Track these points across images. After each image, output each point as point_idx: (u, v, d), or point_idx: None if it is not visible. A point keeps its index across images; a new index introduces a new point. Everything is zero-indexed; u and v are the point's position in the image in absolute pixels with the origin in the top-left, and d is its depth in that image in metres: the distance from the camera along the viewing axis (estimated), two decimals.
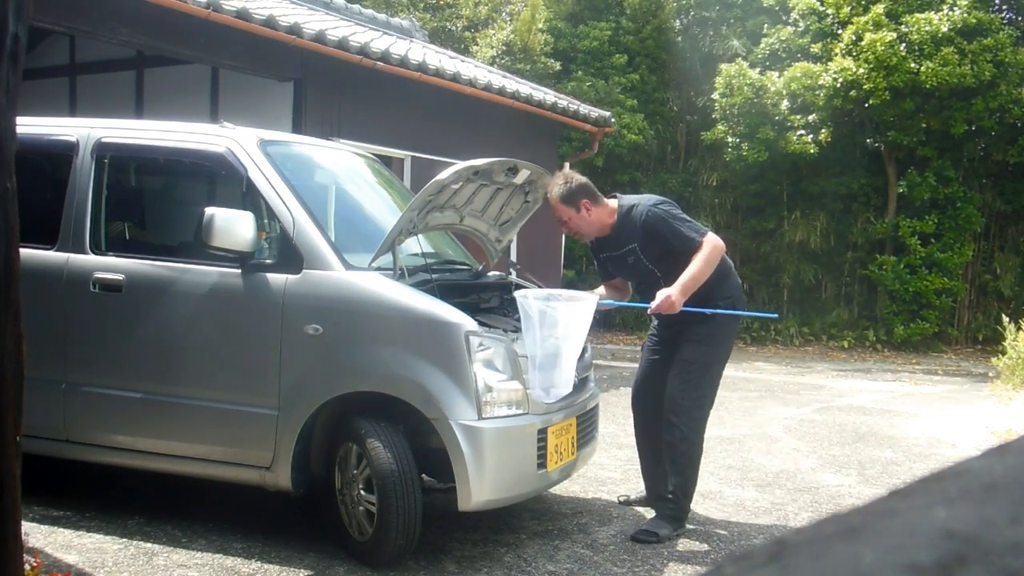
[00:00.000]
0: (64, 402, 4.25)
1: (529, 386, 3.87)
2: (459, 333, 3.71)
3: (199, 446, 4.07)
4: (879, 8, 13.33)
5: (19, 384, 2.46)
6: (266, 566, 3.75)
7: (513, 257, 9.73)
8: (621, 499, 4.90)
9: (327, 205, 4.55)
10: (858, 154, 14.87)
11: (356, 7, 11.09)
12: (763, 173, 14.75)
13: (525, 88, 10.37)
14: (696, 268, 4.11)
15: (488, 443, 3.68)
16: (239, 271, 3.98)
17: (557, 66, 15.28)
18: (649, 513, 4.55)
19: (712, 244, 4.17)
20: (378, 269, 3.94)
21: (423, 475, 3.88)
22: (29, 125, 4.22)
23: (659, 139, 15.98)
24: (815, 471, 5.85)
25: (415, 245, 4.37)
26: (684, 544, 4.30)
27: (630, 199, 4.42)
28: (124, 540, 4.00)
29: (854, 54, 13.35)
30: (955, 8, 13.07)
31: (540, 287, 4.50)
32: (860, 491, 5.36)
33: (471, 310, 3.91)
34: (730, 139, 14.22)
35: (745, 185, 15.16)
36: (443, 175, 3.98)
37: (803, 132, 13.76)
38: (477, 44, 15.21)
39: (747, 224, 15.50)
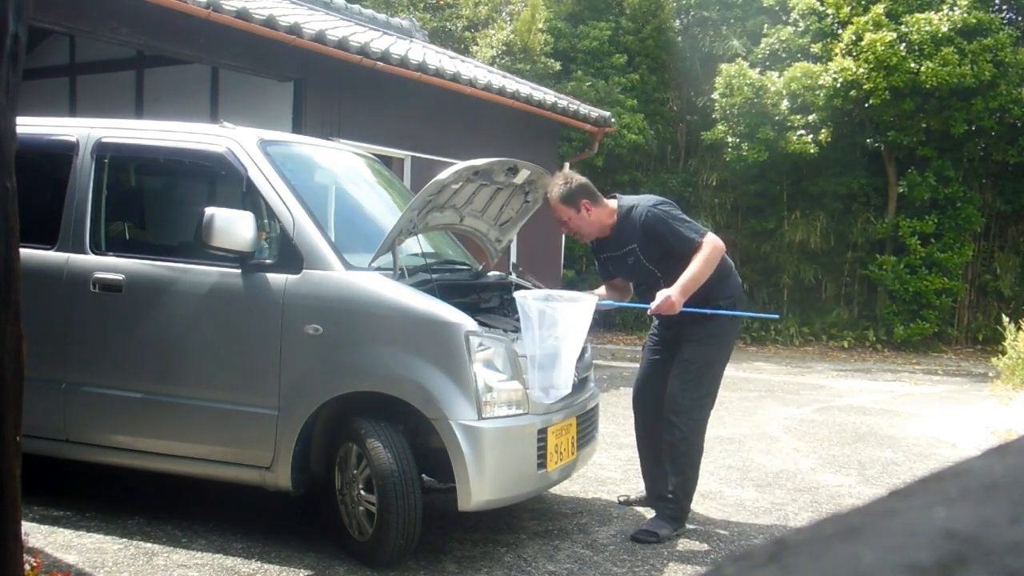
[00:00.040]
0: (64, 402, 4.25)
1: (528, 386, 3.87)
2: (459, 333, 3.71)
3: (199, 446, 4.07)
4: (879, 8, 13.33)
5: (19, 384, 2.46)
6: (266, 566, 3.75)
7: (513, 257, 9.73)
8: (621, 499, 4.90)
9: (327, 205, 4.55)
10: (858, 154, 14.87)
11: (356, 7, 11.09)
12: (763, 173, 14.75)
13: (525, 88, 10.37)
14: (696, 268, 4.11)
15: (488, 443, 3.68)
16: (239, 271, 3.98)
17: (557, 66, 15.27)
18: (649, 513, 4.55)
19: (712, 244, 4.17)
20: (378, 269, 3.94)
21: (423, 475, 3.88)
22: (29, 125, 4.23)
23: (659, 139, 15.97)
24: (815, 471, 5.85)
25: (415, 245, 4.37)
26: (684, 544, 4.30)
27: (630, 199, 4.42)
28: (124, 540, 4.00)
29: (854, 54, 13.35)
30: (955, 8, 13.07)
31: (540, 288, 4.50)
32: (860, 491, 5.35)
33: (471, 310, 3.91)
34: (730, 139, 14.21)
35: (745, 185, 15.16)
36: (443, 175, 3.98)
37: (803, 132, 13.76)
38: (477, 44, 15.21)
39: (747, 224, 15.50)
